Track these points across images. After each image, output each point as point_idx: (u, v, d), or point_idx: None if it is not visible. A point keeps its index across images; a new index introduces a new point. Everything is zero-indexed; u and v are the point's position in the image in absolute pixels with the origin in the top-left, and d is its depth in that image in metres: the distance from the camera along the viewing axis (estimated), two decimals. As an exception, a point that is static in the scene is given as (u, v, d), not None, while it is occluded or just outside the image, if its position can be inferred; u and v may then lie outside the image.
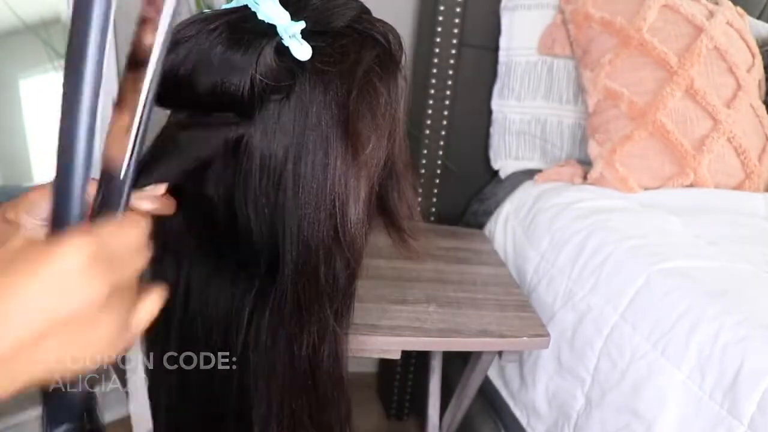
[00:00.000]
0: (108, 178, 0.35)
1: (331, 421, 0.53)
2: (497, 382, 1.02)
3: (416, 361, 1.34)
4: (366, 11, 0.49)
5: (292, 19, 0.43)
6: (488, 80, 1.19)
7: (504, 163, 1.21)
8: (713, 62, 1.03)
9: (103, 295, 0.29)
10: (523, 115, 1.18)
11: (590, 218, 0.89)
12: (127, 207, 0.36)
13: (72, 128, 0.33)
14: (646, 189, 1.02)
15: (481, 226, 1.15)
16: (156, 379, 0.54)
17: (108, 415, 1.29)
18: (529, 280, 0.95)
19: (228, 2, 0.45)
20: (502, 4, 1.15)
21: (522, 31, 1.15)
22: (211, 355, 0.49)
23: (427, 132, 1.17)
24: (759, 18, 1.34)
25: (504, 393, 1.00)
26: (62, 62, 1.10)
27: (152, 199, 0.41)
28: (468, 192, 1.25)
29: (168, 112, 0.47)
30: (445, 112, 1.17)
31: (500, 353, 0.81)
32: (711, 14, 1.08)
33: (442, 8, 1.10)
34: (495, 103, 1.19)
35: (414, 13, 1.26)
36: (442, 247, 0.98)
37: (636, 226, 0.87)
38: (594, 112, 1.06)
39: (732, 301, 0.65)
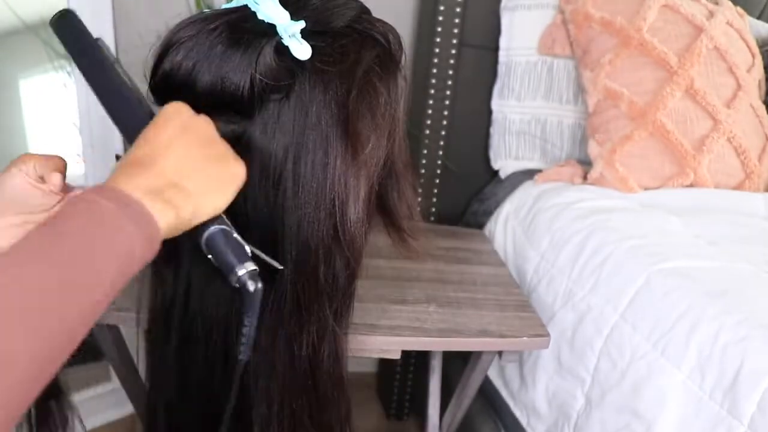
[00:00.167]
0: None
1: (331, 421, 0.53)
2: (497, 382, 1.02)
3: (416, 361, 1.34)
4: (366, 11, 0.49)
5: (291, 19, 0.43)
6: (488, 80, 1.19)
7: (504, 163, 1.21)
8: (713, 62, 1.03)
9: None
10: (523, 115, 1.18)
11: (590, 218, 0.89)
12: None
13: None
14: (646, 189, 1.02)
15: (481, 226, 1.15)
16: (156, 379, 0.54)
17: (108, 415, 1.29)
18: (529, 280, 0.95)
19: (228, 2, 0.45)
20: (502, 4, 1.15)
21: (522, 31, 1.15)
22: (211, 355, 0.49)
23: (427, 132, 1.17)
24: (759, 18, 1.34)
25: (504, 393, 1.00)
26: (62, 62, 1.11)
27: None
28: (468, 192, 1.25)
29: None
30: (445, 112, 1.17)
31: (500, 353, 0.81)
32: (711, 14, 1.08)
33: (442, 8, 1.10)
34: (495, 103, 1.19)
35: (414, 13, 1.27)
36: (442, 247, 0.98)
37: (636, 226, 0.87)
38: (594, 112, 1.06)
39: (732, 301, 0.65)
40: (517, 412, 0.95)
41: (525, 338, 0.73)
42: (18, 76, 1.12)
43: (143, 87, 0.45)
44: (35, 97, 1.13)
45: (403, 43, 0.51)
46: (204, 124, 0.41)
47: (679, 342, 0.65)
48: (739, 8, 1.16)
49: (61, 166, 0.46)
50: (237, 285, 0.41)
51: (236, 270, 0.41)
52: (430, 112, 1.16)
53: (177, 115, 0.40)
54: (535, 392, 0.89)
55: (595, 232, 0.86)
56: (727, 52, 1.04)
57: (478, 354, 0.83)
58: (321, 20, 0.45)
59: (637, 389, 0.69)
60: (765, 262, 0.76)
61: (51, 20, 0.45)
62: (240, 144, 0.44)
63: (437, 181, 1.21)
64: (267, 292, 0.47)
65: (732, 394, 0.58)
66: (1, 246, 0.42)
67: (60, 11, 0.45)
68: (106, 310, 0.32)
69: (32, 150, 0.45)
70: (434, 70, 1.13)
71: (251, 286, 0.41)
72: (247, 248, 0.42)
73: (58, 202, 0.45)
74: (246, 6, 0.43)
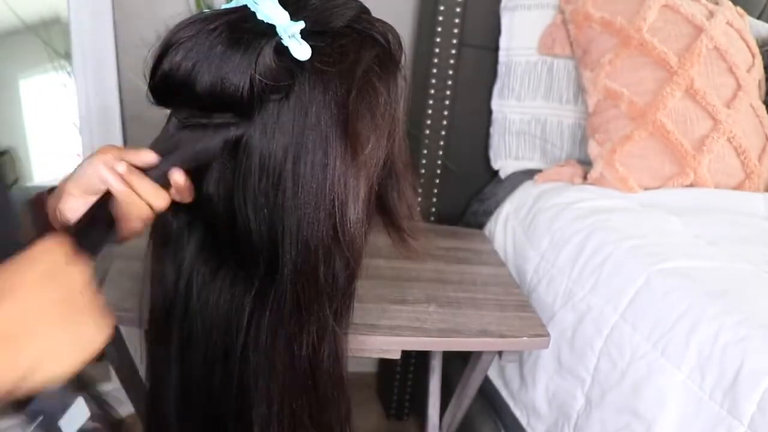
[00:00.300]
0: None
1: (331, 421, 0.53)
2: (497, 382, 1.02)
3: (416, 361, 1.34)
4: (365, 11, 0.49)
5: (291, 19, 0.43)
6: (488, 80, 1.19)
7: (504, 163, 1.21)
8: (713, 62, 1.03)
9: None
10: (523, 115, 1.18)
11: (590, 218, 0.89)
12: None
13: None
14: (646, 189, 1.02)
15: (481, 226, 1.15)
16: (156, 379, 0.54)
17: (108, 415, 1.29)
18: (529, 280, 0.95)
19: (228, 2, 0.45)
20: (502, 4, 1.15)
21: (522, 31, 1.15)
22: (211, 355, 0.49)
23: (427, 132, 1.17)
24: (759, 18, 1.34)
25: (504, 393, 1.00)
26: (62, 62, 1.11)
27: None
28: (468, 192, 1.25)
29: (168, 111, 0.47)
30: (445, 112, 1.17)
31: (500, 353, 0.81)
32: (711, 14, 1.08)
33: (442, 8, 1.10)
34: (495, 103, 1.19)
35: (414, 13, 1.26)
36: (442, 247, 0.98)
37: (636, 226, 0.87)
38: (594, 112, 1.06)
39: (732, 301, 0.65)
40: (517, 412, 0.95)
41: (525, 338, 0.73)
42: (18, 76, 1.12)
43: (143, 87, 0.45)
44: (35, 97, 1.13)
45: (403, 43, 0.51)
46: (75, 276, 0.37)
47: (679, 342, 0.65)
48: (739, 8, 1.16)
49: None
50: None
51: None
52: (430, 112, 1.16)
53: (47, 259, 0.36)
54: (535, 392, 0.89)
55: (595, 232, 0.86)
56: (727, 52, 1.04)
57: (478, 354, 0.83)
58: (320, 20, 0.45)
59: (637, 389, 0.69)
60: (765, 262, 0.76)
61: None
62: (240, 145, 0.44)
63: (437, 181, 1.21)
64: (267, 292, 0.47)
65: (732, 394, 0.58)
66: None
67: None
68: None
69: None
70: (434, 70, 1.13)
71: None
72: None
73: None
74: (245, 6, 0.43)
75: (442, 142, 1.18)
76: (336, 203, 0.45)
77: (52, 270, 0.35)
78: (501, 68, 1.17)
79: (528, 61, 1.15)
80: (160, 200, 0.44)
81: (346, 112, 0.44)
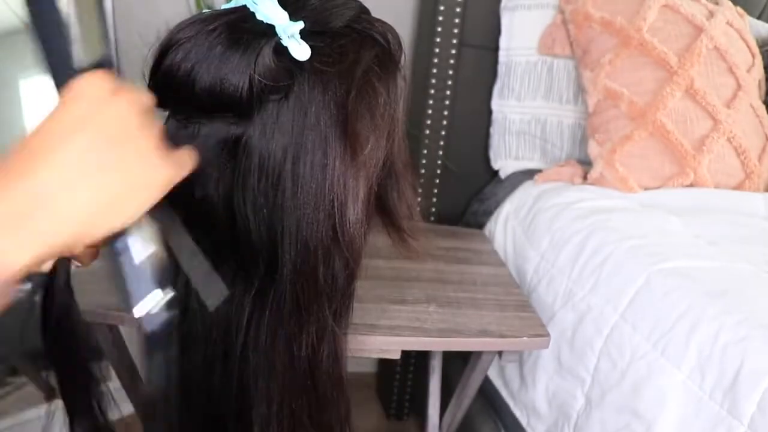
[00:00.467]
0: None
1: (331, 421, 0.53)
2: (497, 382, 1.02)
3: (416, 361, 1.34)
4: (365, 11, 0.49)
5: (290, 19, 0.43)
6: (488, 80, 1.19)
7: (504, 163, 1.21)
8: (713, 62, 1.03)
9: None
10: (523, 115, 1.18)
11: (590, 218, 0.89)
12: None
13: None
14: (646, 189, 1.02)
15: (481, 226, 1.15)
16: (156, 379, 0.54)
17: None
18: (529, 280, 0.95)
19: (227, 2, 0.45)
20: (502, 4, 1.15)
21: (522, 31, 1.15)
22: (211, 355, 0.49)
23: (427, 132, 1.17)
24: (759, 18, 1.34)
25: (504, 393, 1.00)
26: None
27: None
28: (468, 192, 1.25)
29: (167, 112, 0.47)
30: (445, 112, 1.17)
31: (500, 353, 0.81)
32: (711, 14, 1.08)
33: (442, 8, 1.10)
34: (495, 103, 1.19)
35: (414, 13, 1.27)
36: (442, 247, 0.98)
37: (636, 226, 0.87)
38: (594, 112, 1.06)
39: (732, 301, 0.65)
40: (517, 412, 0.95)
41: (525, 338, 0.72)
42: (18, 76, 1.12)
43: (143, 87, 0.45)
44: (35, 97, 1.13)
45: (402, 43, 0.51)
46: (124, 109, 0.33)
47: (679, 342, 0.65)
48: (739, 8, 1.16)
49: None
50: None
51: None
52: (430, 112, 1.16)
53: (90, 94, 0.32)
54: (535, 392, 0.89)
55: (595, 232, 0.86)
56: (727, 52, 1.04)
57: (478, 354, 0.83)
58: (320, 20, 0.45)
59: (637, 389, 0.69)
60: (765, 262, 0.76)
61: None
62: (239, 145, 0.44)
63: (437, 181, 1.21)
64: (267, 292, 0.47)
65: (732, 394, 0.58)
66: None
67: None
68: None
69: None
70: (434, 70, 1.13)
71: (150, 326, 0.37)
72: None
73: None
74: (245, 6, 0.43)
75: (442, 142, 1.19)
76: (335, 203, 0.45)
77: (97, 106, 0.32)
78: (501, 68, 1.17)
79: (528, 61, 1.15)
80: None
81: (346, 112, 0.44)
